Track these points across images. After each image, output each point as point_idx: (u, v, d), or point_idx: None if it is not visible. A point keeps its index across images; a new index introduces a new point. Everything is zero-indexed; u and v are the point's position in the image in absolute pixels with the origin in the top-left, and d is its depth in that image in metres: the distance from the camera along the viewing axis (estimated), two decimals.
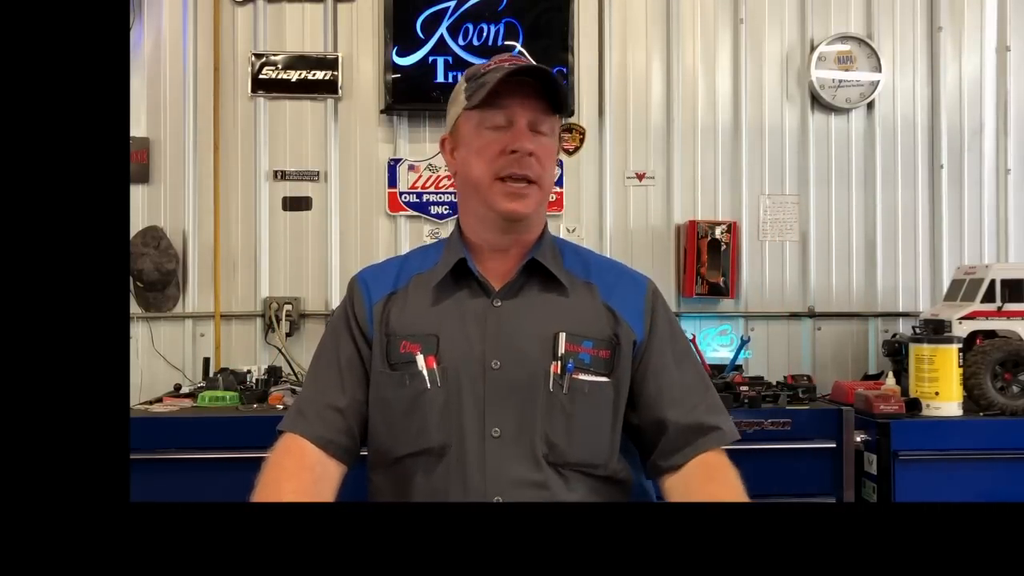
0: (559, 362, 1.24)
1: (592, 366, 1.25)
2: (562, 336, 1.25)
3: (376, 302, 1.32)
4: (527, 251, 1.33)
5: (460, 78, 1.34)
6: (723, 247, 3.11)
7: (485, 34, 3.08)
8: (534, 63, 1.28)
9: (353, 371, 1.30)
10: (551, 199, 3.10)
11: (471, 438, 1.22)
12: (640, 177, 3.20)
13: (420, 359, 1.25)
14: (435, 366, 1.24)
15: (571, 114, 3.15)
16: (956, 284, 2.89)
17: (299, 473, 1.23)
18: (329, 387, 1.30)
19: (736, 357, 2.96)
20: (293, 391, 2.65)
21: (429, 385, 1.24)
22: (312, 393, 1.31)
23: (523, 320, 1.27)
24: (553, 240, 1.38)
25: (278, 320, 3.04)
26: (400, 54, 3.08)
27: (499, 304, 1.28)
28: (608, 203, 3.18)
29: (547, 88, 1.26)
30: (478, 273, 1.30)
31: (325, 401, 1.28)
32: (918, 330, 2.74)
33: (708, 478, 1.23)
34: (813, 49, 3.20)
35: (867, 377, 3.05)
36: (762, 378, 2.89)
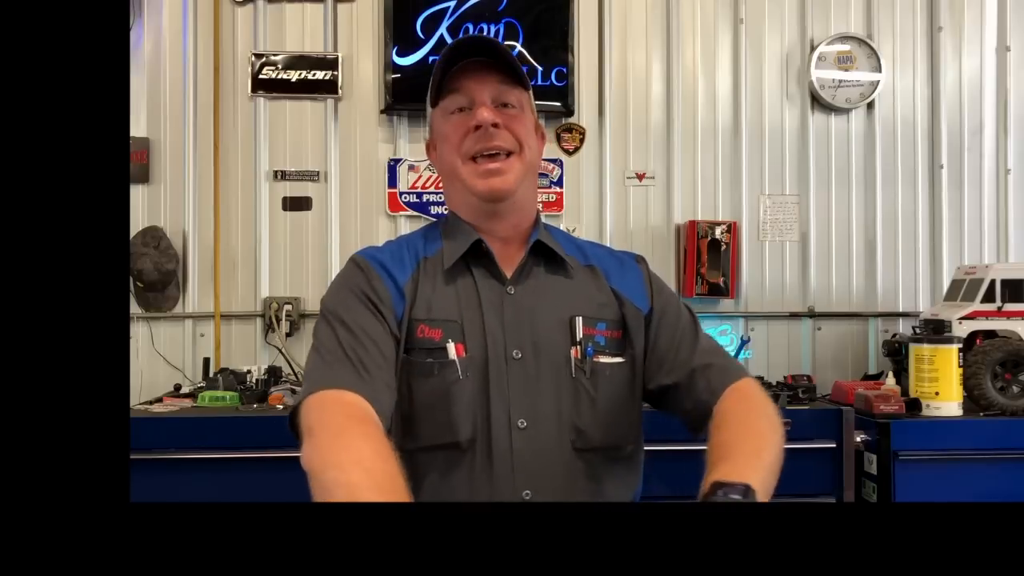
0: (579, 346, 1.23)
1: (608, 348, 1.25)
2: (579, 320, 1.24)
3: (405, 282, 1.23)
4: (525, 235, 1.31)
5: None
6: (723, 247, 3.11)
7: (485, 34, 3.08)
8: (476, 39, 1.26)
9: (392, 355, 1.18)
10: (551, 199, 3.15)
11: (497, 430, 1.18)
12: (640, 177, 3.20)
13: (451, 347, 1.19)
14: (464, 355, 1.20)
15: (571, 114, 3.16)
16: (956, 284, 2.89)
17: (368, 427, 1.05)
18: (380, 367, 1.15)
19: (736, 357, 2.96)
20: (293, 391, 2.65)
21: (461, 376, 1.19)
22: (357, 360, 1.14)
23: (538, 306, 1.25)
24: (545, 227, 1.36)
25: (278, 320, 3.04)
26: (400, 54, 3.08)
27: (513, 291, 1.26)
28: (608, 203, 3.18)
29: (498, 59, 1.24)
30: (494, 255, 1.26)
31: (381, 378, 1.15)
32: (918, 330, 2.74)
33: (741, 399, 1.23)
34: (813, 49, 3.20)
35: (867, 377, 3.05)
36: (762, 378, 2.89)
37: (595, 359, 1.23)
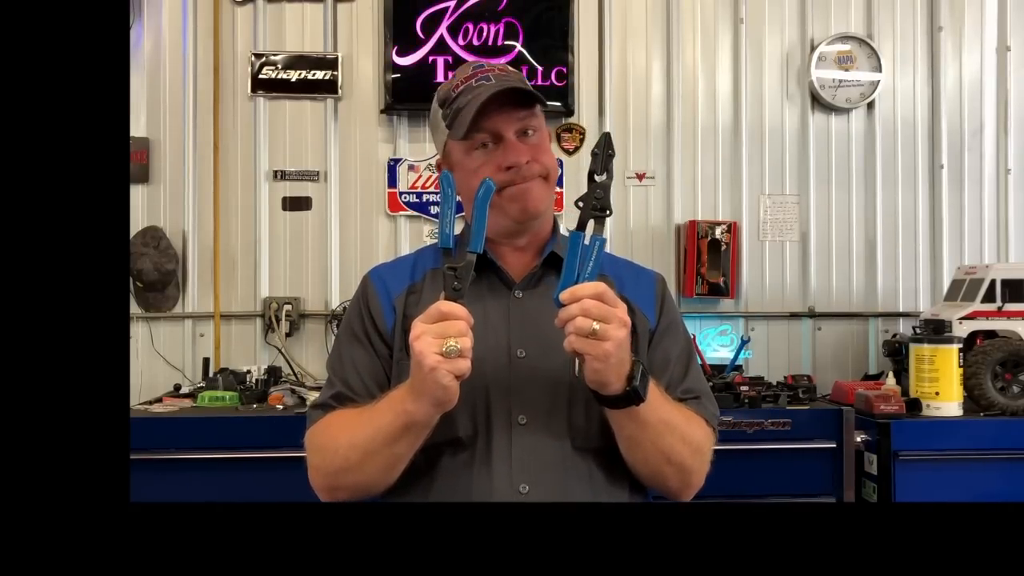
0: None
1: None
2: None
3: (397, 295, 1.31)
4: (541, 245, 1.35)
5: (434, 101, 1.34)
6: (723, 247, 3.11)
7: (485, 34, 3.08)
8: (499, 78, 1.27)
9: (375, 375, 1.28)
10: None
11: (498, 426, 1.21)
12: (640, 177, 3.20)
13: None
14: None
15: (571, 114, 3.16)
16: (956, 284, 2.89)
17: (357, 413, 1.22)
18: (359, 391, 1.28)
19: (736, 357, 2.96)
20: (293, 391, 2.65)
21: None
22: (340, 393, 1.28)
23: (544, 310, 1.25)
24: (563, 235, 1.39)
25: (278, 320, 3.04)
26: (400, 54, 3.08)
27: (520, 295, 1.30)
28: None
29: (521, 95, 1.27)
30: (500, 266, 1.31)
31: (356, 401, 1.27)
32: (918, 330, 2.74)
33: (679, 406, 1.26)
34: (813, 49, 3.20)
35: (867, 377, 3.05)
36: (762, 378, 2.89)
37: None
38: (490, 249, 1.32)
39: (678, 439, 1.20)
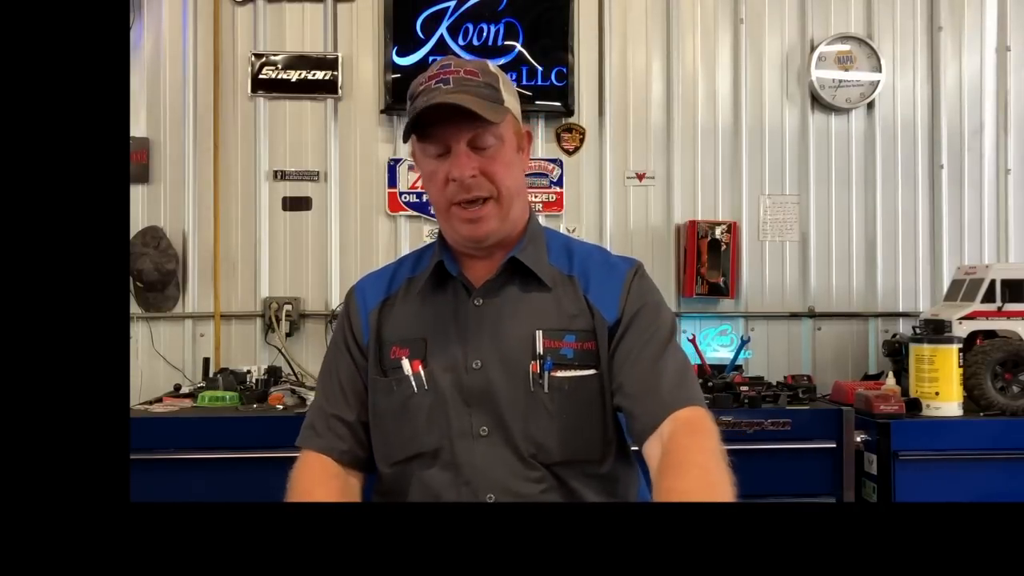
0: (538, 361, 1.23)
1: (577, 360, 1.24)
2: (539, 334, 1.24)
3: (371, 309, 1.33)
4: (510, 249, 1.31)
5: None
6: (723, 247, 3.11)
7: (485, 34, 3.08)
8: (458, 82, 1.21)
9: (355, 386, 1.32)
10: (551, 199, 3.14)
11: (461, 439, 1.22)
12: (640, 177, 3.20)
13: (406, 364, 1.26)
14: (420, 370, 1.25)
15: (571, 114, 3.15)
16: (956, 284, 2.89)
17: (327, 481, 1.26)
18: (335, 401, 1.32)
19: (736, 357, 2.96)
20: (293, 391, 2.65)
21: (416, 389, 1.25)
22: (321, 407, 1.33)
23: (504, 319, 1.26)
24: (542, 233, 1.36)
25: (278, 320, 3.04)
26: (400, 54, 3.08)
27: (480, 303, 1.28)
28: (608, 203, 3.17)
29: (465, 110, 1.19)
30: (458, 274, 1.30)
31: (332, 413, 1.31)
32: (918, 330, 2.74)
33: (689, 431, 1.13)
34: (813, 49, 3.20)
35: (867, 377, 3.05)
36: (762, 378, 2.89)
37: (554, 374, 1.22)
38: (457, 257, 1.31)
39: (725, 486, 1.10)
